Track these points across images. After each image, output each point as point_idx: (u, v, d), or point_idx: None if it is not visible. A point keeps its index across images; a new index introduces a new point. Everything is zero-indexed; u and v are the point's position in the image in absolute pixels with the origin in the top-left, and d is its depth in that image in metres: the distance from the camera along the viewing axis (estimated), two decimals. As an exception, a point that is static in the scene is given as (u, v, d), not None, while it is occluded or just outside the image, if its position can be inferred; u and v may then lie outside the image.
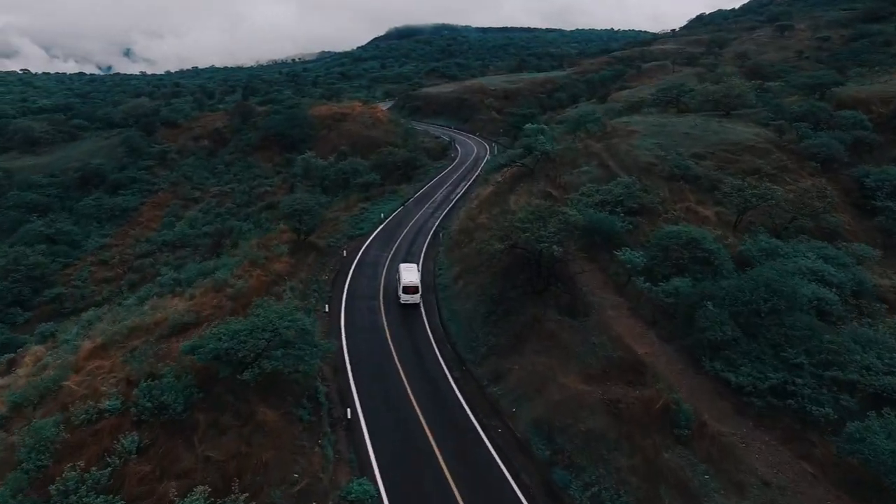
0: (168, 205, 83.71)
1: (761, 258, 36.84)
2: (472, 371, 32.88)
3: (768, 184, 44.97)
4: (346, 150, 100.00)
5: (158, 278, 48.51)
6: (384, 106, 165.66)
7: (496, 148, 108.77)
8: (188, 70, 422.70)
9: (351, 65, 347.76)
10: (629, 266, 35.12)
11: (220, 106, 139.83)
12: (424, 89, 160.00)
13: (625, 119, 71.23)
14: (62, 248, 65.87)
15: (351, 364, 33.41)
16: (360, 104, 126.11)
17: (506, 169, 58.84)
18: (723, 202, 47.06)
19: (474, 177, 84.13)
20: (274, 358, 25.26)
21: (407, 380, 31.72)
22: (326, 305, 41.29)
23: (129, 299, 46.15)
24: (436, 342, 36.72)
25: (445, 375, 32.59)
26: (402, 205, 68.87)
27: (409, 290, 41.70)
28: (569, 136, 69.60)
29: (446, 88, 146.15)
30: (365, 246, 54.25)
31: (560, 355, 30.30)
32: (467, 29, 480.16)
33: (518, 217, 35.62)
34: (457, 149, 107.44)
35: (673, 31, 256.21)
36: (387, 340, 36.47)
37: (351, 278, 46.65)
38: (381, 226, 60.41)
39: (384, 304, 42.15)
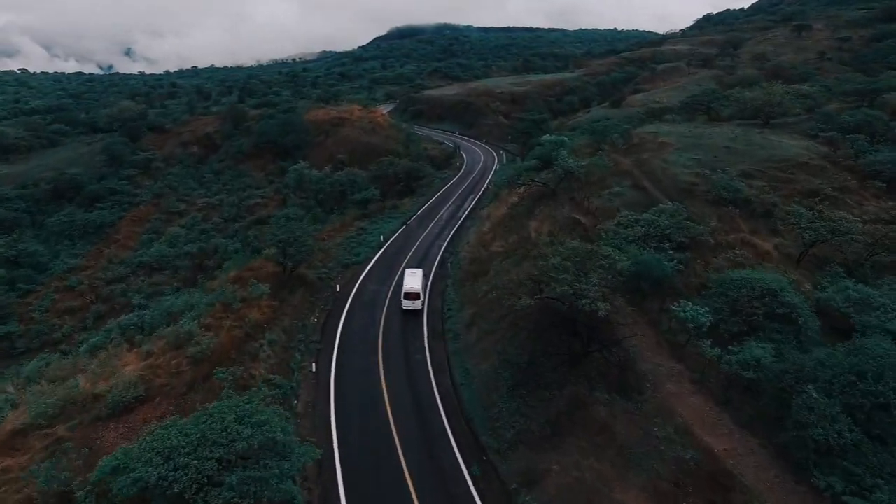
0: (149, 219, 76.20)
1: (850, 311, 29.48)
2: (496, 465, 25.39)
3: (841, 213, 37.64)
4: (343, 158, 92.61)
5: (121, 319, 40.98)
6: (385, 109, 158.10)
7: (504, 156, 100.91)
8: (187, 70, 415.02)
9: (352, 65, 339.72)
10: (690, 325, 27.68)
11: (213, 109, 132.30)
12: (427, 92, 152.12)
13: (652, 129, 63.77)
14: (25, 272, 58.38)
15: (341, 455, 25.96)
16: (359, 108, 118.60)
17: (522, 188, 51.29)
18: (780, 232, 39.81)
19: (482, 189, 76.62)
20: (227, 486, 17.81)
21: (413, 483, 24.24)
22: (313, 363, 33.81)
23: (82, 346, 38.77)
24: (447, 416, 29.23)
25: (462, 472, 25.12)
26: (404, 223, 61.36)
27: (411, 296, 40.27)
28: (588, 148, 62.16)
29: (450, 91, 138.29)
30: (362, 277, 46.76)
31: (615, 457, 22.83)
32: (469, 28, 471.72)
33: (551, 263, 28.13)
34: (462, 157, 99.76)
35: (682, 31, 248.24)
36: (387, 416, 28.96)
37: (345, 322, 39.18)
38: (381, 251, 52.90)
39: (384, 358, 34.63)
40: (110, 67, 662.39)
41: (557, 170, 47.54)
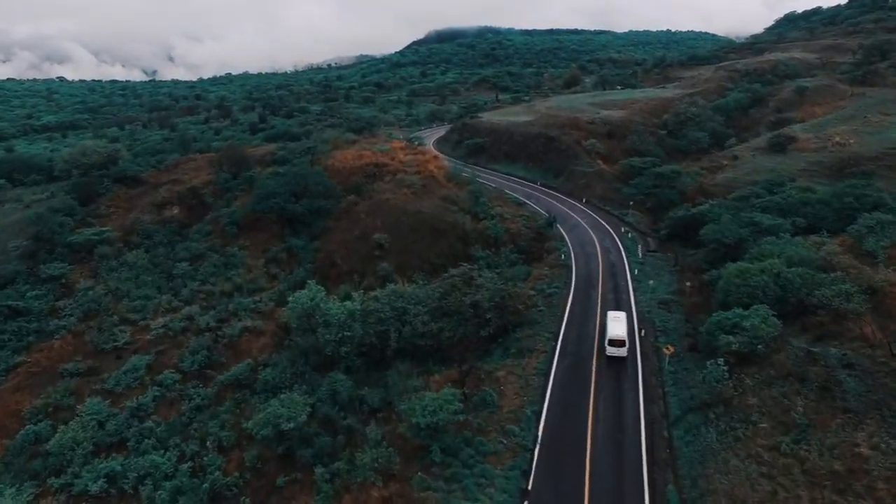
0: (58, 372, 43.28)
1: None
2: None
3: None
4: (382, 240, 57.94)
5: None
6: (433, 135, 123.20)
7: (638, 243, 59.23)
8: (222, 77, 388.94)
9: (388, 71, 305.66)
10: None
11: (214, 142, 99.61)
12: (487, 116, 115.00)
13: None
14: None
15: None
16: (403, 146, 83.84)
17: None
18: None
19: (637, 341, 40.15)
20: None
21: None
22: None
23: None
24: None
25: None
26: (523, 498, 26.19)
27: (616, 342, 36.67)
28: None
29: (518, 118, 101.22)
30: None
31: None
32: (511, 31, 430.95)
33: None
34: (563, 235, 62.73)
35: (777, 33, 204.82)
36: None
37: None
38: None
39: None
40: (154, 72, 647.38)
41: None
